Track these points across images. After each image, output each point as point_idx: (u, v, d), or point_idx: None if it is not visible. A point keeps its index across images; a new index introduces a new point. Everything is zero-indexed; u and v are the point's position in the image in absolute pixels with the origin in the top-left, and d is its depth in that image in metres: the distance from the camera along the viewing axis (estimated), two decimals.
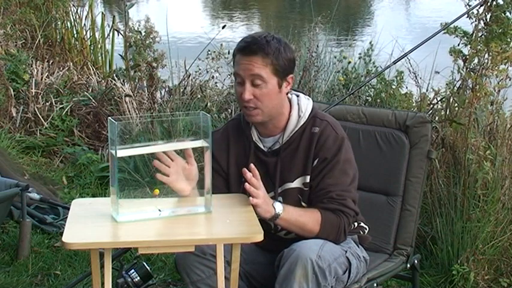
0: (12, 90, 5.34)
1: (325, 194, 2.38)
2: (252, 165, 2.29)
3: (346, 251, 2.40)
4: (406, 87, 4.19)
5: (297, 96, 2.49)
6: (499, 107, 3.58)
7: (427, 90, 3.99)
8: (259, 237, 2.08)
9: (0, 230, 3.80)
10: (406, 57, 3.41)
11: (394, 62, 3.37)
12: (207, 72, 5.14)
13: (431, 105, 3.86)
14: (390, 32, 5.19)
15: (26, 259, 3.52)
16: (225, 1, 15.32)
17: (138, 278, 2.61)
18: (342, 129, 2.47)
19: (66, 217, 2.24)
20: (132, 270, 2.62)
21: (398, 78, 4.13)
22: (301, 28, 5.23)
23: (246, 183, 2.24)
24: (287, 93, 2.45)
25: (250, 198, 2.24)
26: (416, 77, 3.94)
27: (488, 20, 3.36)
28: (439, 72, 3.96)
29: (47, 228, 3.85)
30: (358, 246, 2.53)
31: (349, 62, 4.78)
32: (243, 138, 2.50)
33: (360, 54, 4.71)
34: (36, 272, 3.45)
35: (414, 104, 4.05)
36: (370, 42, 4.69)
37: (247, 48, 2.34)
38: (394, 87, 4.13)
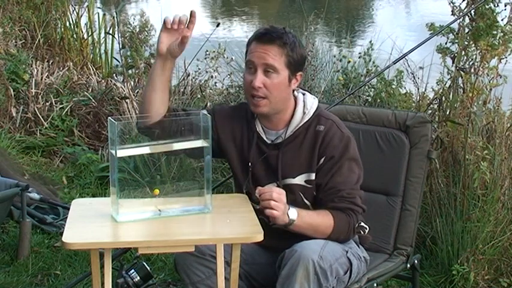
0: (12, 90, 5.34)
1: (336, 192, 2.39)
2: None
3: (347, 251, 2.40)
4: (405, 88, 4.18)
5: (303, 94, 2.50)
6: (497, 106, 3.57)
7: (425, 90, 3.99)
8: (259, 237, 2.08)
9: (0, 230, 3.80)
10: (405, 58, 3.41)
11: (394, 62, 3.37)
12: (206, 72, 5.13)
13: (430, 105, 3.85)
14: (391, 31, 5.17)
15: (26, 259, 3.52)
16: (224, 1, 15.32)
17: (138, 278, 2.61)
18: (347, 129, 2.48)
19: (66, 217, 2.25)
20: (132, 270, 2.62)
21: (398, 77, 4.13)
22: (298, 28, 5.20)
23: (271, 201, 2.24)
24: (293, 91, 2.46)
25: (268, 211, 2.24)
26: (414, 77, 3.94)
27: (473, 15, 3.36)
28: (422, 68, 3.96)
29: (47, 228, 3.85)
30: (359, 247, 2.53)
31: (349, 62, 4.76)
32: (248, 126, 2.50)
33: (359, 53, 4.70)
34: (36, 272, 3.45)
35: (414, 104, 4.04)
36: (370, 42, 4.68)
37: (266, 36, 2.36)
38: (394, 87, 4.12)
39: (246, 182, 2.46)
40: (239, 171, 2.50)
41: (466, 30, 3.39)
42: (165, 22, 2.28)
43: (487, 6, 3.29)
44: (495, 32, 3.31)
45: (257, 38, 2.38)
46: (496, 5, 3.32)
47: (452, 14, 3.43)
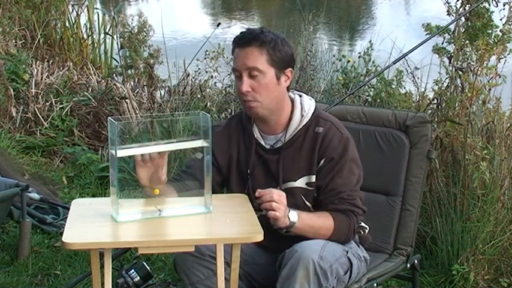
0: (12, 90, 5.34)
1: (336, 194, 2.40)
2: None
3: (347, 251, 2.40)
4: (405, 88, 4.18)
5: (300, 96, 2.50)
6: (497, 105, 3.57)
7: (425, 90, 3.99)
8: (259, 237, 2.08)
9: (0, 230, 3.80)
10: (404, 58, 3.41)
11: (394, 62, 3.37)
12: (206, 72, 5.13)
13: (430, 105, 3.85)
14: (390, 30, 5.17)
15: (26, 259, 3.52)
16: (224, 1, 15.32)
17: (138, 278, 2.61)
18: (346, 130, 2.48)
19: (66, 217, 2.24)
20: (132, 270, 2.62)
21: (397, 77, 4.13)
22: (298, 27, 5.21)
23: (273, 203, 2.24)
24: (288, 90, 2.46)
25: (271, 212, 2.24)
26: (414, 77, 3.94)
27: (468, 15, 3.35)
28: (418, 68, 3.96)
29: (47, 228, 3.85)
30: (359, 246, 2.53)
31: (348, 61, 4.76)
32: (244, 135, 2.50)
33: (359, 53, 4.70)
34: (36, 272, 3.45)
35: (414, 104, 4.04)
36: (370, 41, 4.68)
37: (242, 39, 2.37)
38: (393, 86, 4.12)
39: (246, 189, 2.45)
40: (237, 183, 2.49)
41: (462, 29, 3.39)
42: (136, 161, 2.18)
43: (482, 5, 3.29)
44: (490, 31, 3.31)
45: (236, 44, 2.39)
46: (495, 5, 3.31)
47: (448, 14, 3.42)
